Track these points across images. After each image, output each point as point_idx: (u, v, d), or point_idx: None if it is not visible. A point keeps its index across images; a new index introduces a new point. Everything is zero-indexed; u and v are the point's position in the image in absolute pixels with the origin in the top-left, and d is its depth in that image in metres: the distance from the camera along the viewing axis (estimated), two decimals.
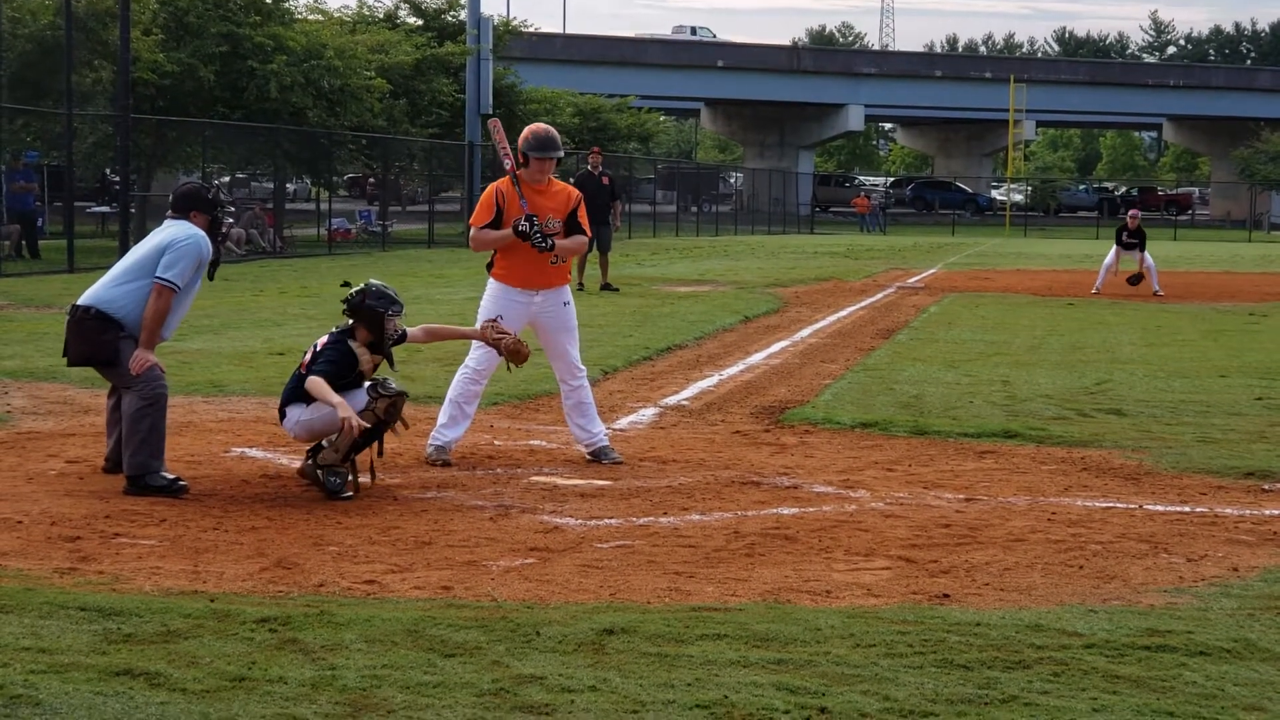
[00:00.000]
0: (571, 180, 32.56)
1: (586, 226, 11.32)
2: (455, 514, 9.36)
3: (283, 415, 10.15)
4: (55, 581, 7.51)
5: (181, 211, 10.14)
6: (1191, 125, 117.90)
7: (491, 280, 11.25)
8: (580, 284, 28.31)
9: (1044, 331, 21.66)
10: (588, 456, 11.22)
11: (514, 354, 10.68)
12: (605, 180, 29.26)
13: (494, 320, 10.79)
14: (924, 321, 23.35)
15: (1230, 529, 9.18)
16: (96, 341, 9.86)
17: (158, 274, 9.79)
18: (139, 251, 10.05)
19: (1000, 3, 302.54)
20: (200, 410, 13.06)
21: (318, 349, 10.10)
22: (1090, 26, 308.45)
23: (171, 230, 10.02)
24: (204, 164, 41.61)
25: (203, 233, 10.03)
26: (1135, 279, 31.18)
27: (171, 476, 9.76)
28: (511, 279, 11.12)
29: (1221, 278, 38.51)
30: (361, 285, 10.33)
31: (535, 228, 10.91)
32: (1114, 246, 32.02)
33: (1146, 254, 31.37)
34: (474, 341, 11.12)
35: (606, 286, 28.36)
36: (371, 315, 10.15)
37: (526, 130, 11.21)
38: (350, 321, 10.21)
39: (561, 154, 11.14)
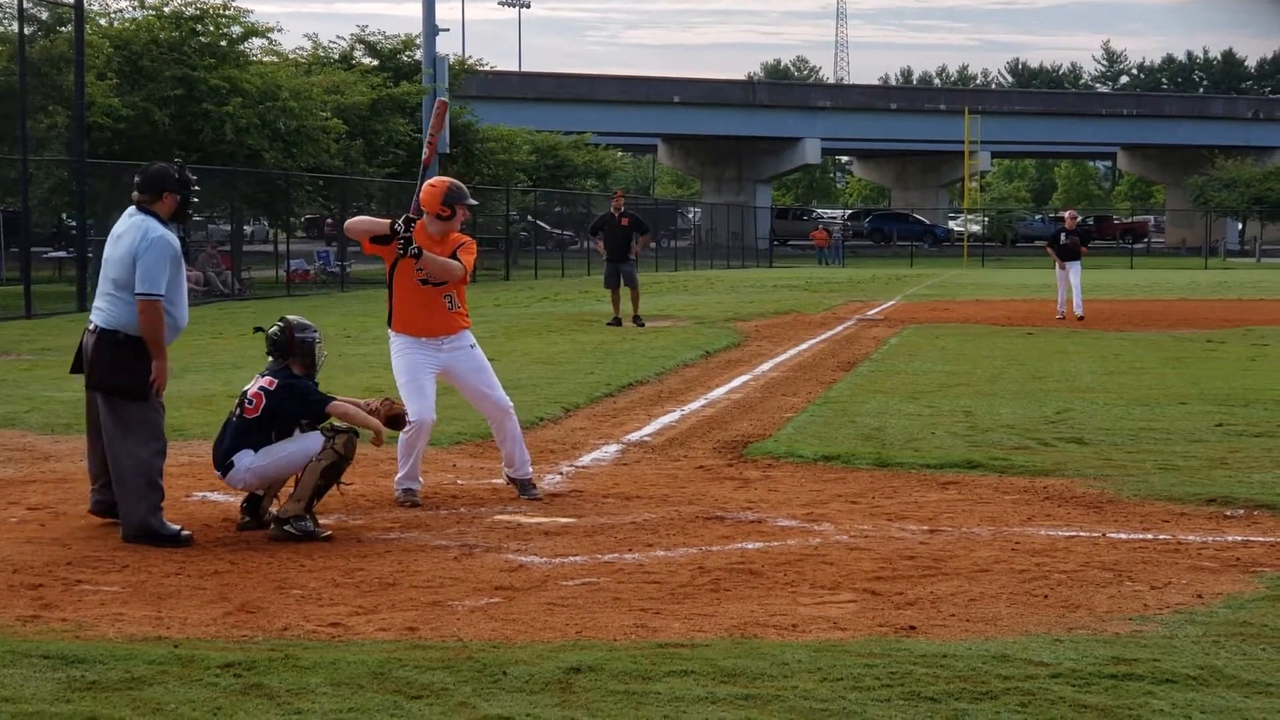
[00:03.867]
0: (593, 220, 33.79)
1: (466, 262, 11.12)
2: (419, 554, 9.33)
3: (226, 467, 10.03)
4: (17, 630, 7.46)
5: (153, 192, 9.92)
6: (1145, 154, 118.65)
7: (393, 334, 11.19)
8: (616, 319, 28.79)
9: (1004, 361, 21.72)
10: (505, 482, 11.26)
11: (394, 420, 10.62)
12: (624, 221, 30.27)
13: (387, 400, 10.69)
14: (884, 353, 23.39)
15: (1193, 556, 9.21)
16: (133, 370, 9.71)
17: (138, 290, 9.65)
18: (116, 255, 9.79)
19: (953, 36, 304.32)
20: None
21: (270, 390, 10.00)
22: (1043, 57, 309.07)
23: (130, 236, 9.78)
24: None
25: (162, 229, 9.80)
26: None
27: (176, 528, 9.70)
28: (413, 329, 11.07)
29: (1179, 305, 38.69)
30: (278, 324, 10.32)
31: (408, 233, 10.74)
32: (1057, 263, 31.77)
33: (1078, 277, 31.29)
34: (405, 395, 11.04)
35: (636, 319, 29.12)
36: (303, 346, 10.19)
37: (449, 182, 11.21)
38: (272, 360, 10.21)
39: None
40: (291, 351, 10.18)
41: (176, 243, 9.92)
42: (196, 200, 10.29)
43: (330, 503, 10.15)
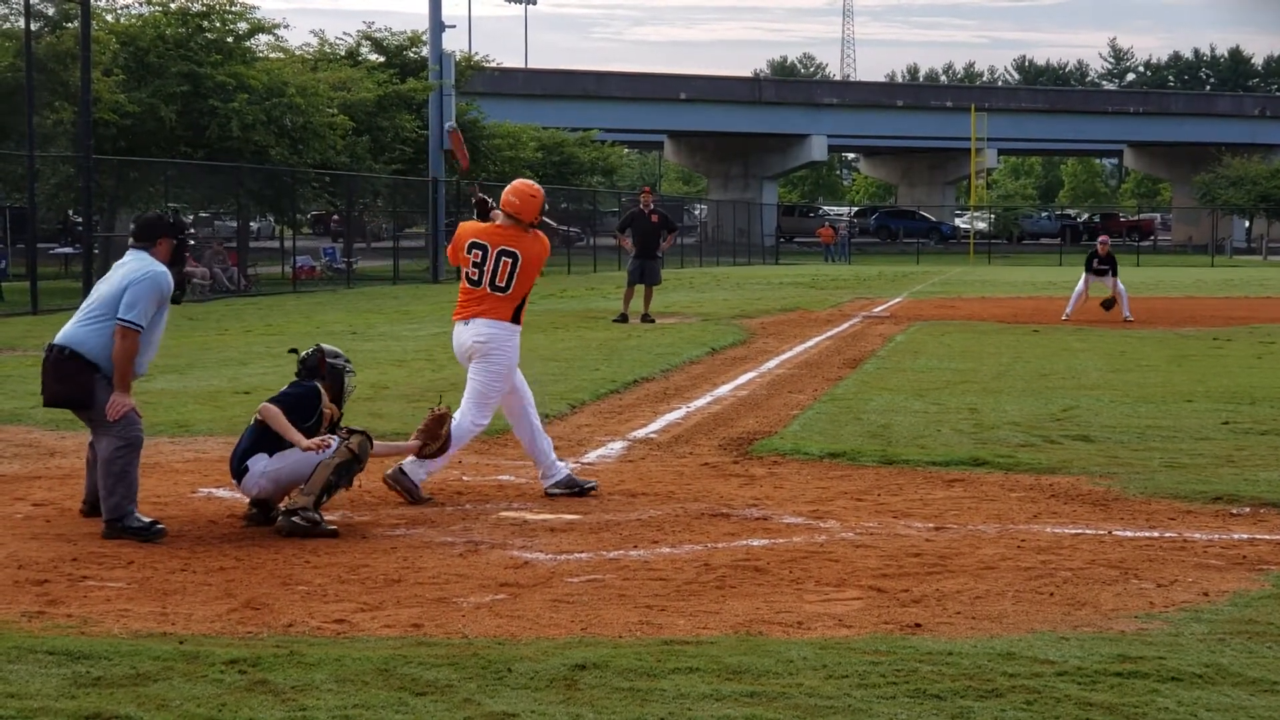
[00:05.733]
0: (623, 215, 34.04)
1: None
2: (425, 551, 9.33)
3: (241, 472, 10.02)
4: (23, 625, 7.46)
5: (147, 240, 10.06)
6: (1152, 151, 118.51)
7: (516, 329, 11.22)
8: (624, 315, 28.84)
9: (1010, 359, 21.71)
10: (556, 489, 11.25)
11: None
12: (654, 218, 30.24)
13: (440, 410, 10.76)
14: (891, 350, 23.38)
15: (1199, 554, 9.20)
16: (73, 383, 9.77)
17: (119, 315, 9.73)
18: (105, 287, 9.95)
19: (960, 33, 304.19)
20: (166, 451, 13.01)
21: (284, 392, 10.09)
22: (1050, 54, 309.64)
23: (130, 266, 9.93)
24: (166, 203, 41.52)
25: (162, 267, 9.94)
26: (1108, 303, 31.13)
27: (148, 520, 9.69)
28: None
29: (1185, 303, 38.65)
30: (312, 348, 10.41)
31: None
32: (1084, 274, 31.79)
33: (1119, 280, 31.32)
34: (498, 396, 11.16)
35: (645, 317, 29.06)
36: (333, 372, 10.29)
37: (542, 192, 11.37)
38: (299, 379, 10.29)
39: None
40: (320, 374, 10.25)
41: (170, 286, 10.03)
42: (192, 243, 10.39)
43: (336, 499, 10.14)
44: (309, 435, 9.98)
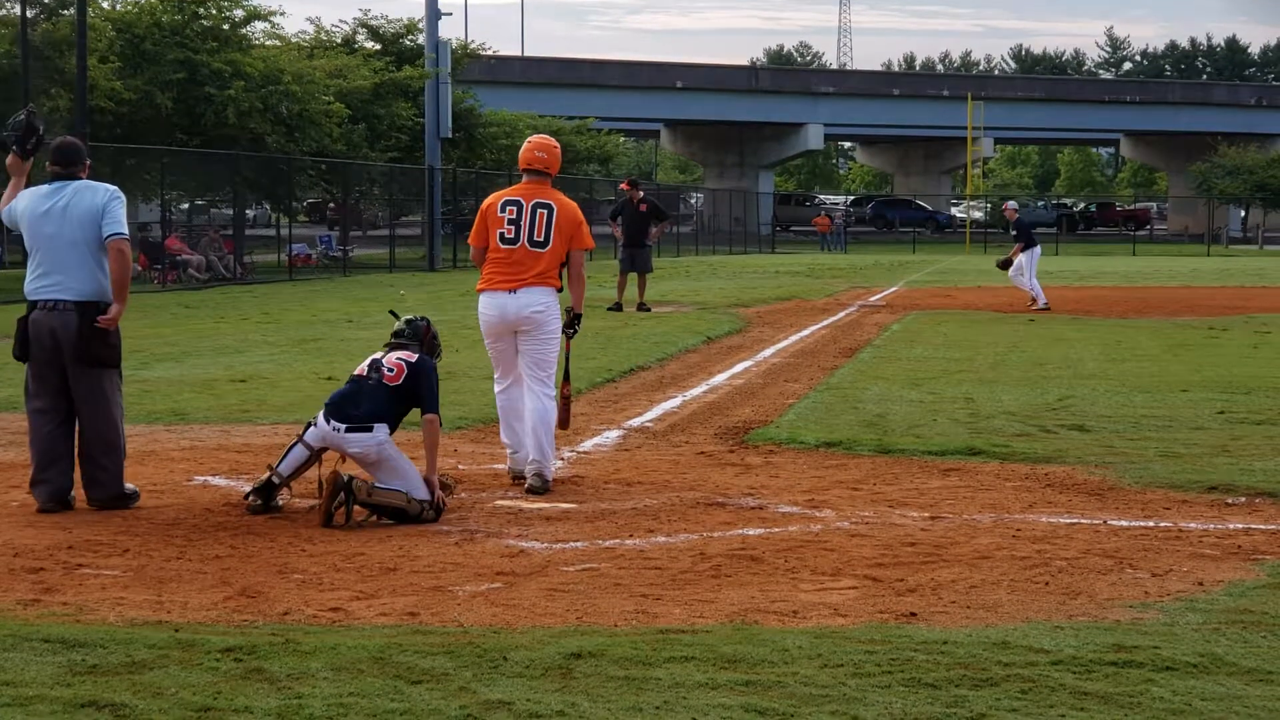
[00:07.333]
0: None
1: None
2: (420, 539, 9.32)
3: (363, 428, 9.83)
4: (18, 613, 7.46)
5: (78, 164, 10.09)
6: (1148, 141, 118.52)
7: (556, 293, 11.20)
8: (618, 304, 28.86)
9: (1006, 348, 21.70)
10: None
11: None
12: (643, 207, 30.44)
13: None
14: (886, 340, 23.37)
15: (1194, 543, 9.20)
16: (112, 345, 10.00)
17: (117, 231, 9.84)
18: (76, 218, 9.87)
19: (956, 22, 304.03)
20: (162, 439, 13.00)
21: (411, 363, 10.02)
22: (1047, 44, 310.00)
23: (89, 195, 9.94)
24: (162, 191, 41.50)
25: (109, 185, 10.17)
26: (1005, 264, 31.30)
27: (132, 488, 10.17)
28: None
29: (1181, 292, 38.64)
30: (420, 317, 10.51)
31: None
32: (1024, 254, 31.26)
33: (1022, 275, 31.05)
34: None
35: (641, 306, 29.10)
36: (434, 345, 10.34)
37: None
38: (398, 341, 10.28)
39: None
40: (423, 345, 10.26)
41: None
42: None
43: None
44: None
